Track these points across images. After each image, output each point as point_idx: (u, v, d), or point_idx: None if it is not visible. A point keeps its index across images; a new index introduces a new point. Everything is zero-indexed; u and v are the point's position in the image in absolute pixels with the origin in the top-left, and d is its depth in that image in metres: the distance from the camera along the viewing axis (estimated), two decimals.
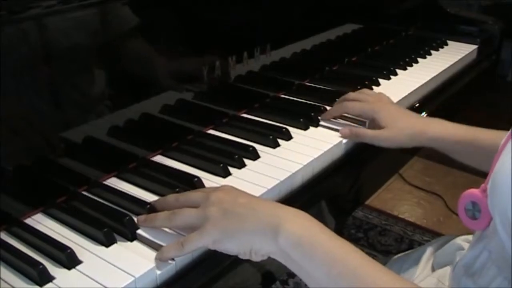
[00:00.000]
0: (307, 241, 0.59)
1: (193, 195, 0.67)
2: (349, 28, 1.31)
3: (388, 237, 1.96)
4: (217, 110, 0.99)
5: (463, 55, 1.39)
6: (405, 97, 1.12)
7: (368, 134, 0.92)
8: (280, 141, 0.91)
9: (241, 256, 0.63)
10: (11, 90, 0.67)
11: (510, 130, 0.63)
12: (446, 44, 1.48)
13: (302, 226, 0.61)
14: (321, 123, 0.99)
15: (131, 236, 0.67)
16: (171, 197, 0.70)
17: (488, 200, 0.61)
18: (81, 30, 0.74)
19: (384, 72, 1.24)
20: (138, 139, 0.85)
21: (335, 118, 1.00)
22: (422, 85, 1.19)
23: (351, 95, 1.00)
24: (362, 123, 0.97)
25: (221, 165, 0.81)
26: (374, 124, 0.94)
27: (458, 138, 0.88)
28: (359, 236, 1.95)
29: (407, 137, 0.90)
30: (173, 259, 0.64)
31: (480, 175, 0.75)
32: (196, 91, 0.93)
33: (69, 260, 0.62)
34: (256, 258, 0.62)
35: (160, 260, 0.63)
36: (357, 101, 0.97)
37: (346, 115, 1.00)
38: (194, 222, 0.64)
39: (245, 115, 1.02)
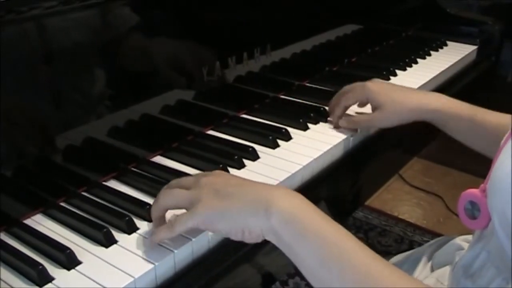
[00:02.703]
0: (299, 220, 0.58)
1: (184, 179, 0.67)
2: (349, 29, 1.31)
3: (388, 237, 1.96)
4: (217, 110, 0.99)
5: (463, 55, 1.39)
6: None
7: (365, 118, 0.92)
8: (279, 141, 0.91)
9: (233, 237, 0.61)
10: (11, 91, 0.67)
11: (510, 131, 0.63)
12: (446, 45, 1.48)
13: (295, 205, 0.59)
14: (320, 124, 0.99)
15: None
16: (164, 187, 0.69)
17: (487, 200, 0.61)
18: (82, 30, 0.74)
19: (384, 73, 1.24)
20: (138, 140, 0.85)
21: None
22: (422, 85, 1.19)
23: (345, 87, 0.99)
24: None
25: (221, 165, 0.81)
26: (371, 105, 0.93)
27: (457, 112, 0.87)
28: (359, 236, 1.95)
29: (404, 112, 0.89)
30: (173, 256, 0.64)
31: (480, 175, 0.75)
32: (196, 92, 0.93)
33: (69, 260, 0.62)
34: (249, 239, 0.60)
35: (152, 242, 0.63)
36: (349, 89, 0.97)
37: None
38: (185, 204, 0.63)
39: (245, 116, 1.02)
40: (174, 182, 0.67)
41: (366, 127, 0.94)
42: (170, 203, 0.65)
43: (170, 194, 0.64)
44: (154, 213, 0.66)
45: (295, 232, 0.57)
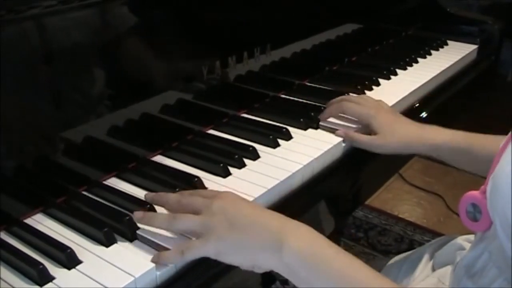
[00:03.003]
0: (313, 255, 0.59)
1: (196, 201, 0.66)
2: (349, 28, 1.31)
3: (388, 237, 1.96)
4: (217, 110, 0.99)
5: (463, 55, 1.39)
6: (405, 97, 1.12)
7: (363, 140, 0.92)
8: (280, 141, 0.91)
9: (243, 268, 0.63)
10: (11, 90, 0.67)
11: (510, 133, 0.63)
12: (446, 44, 1.48)
13: (307, 241, 0.61)
14: (321, 123, 0.99)
15: (131, 236, 0.67)
16: (174, 198, 0.69)
17: (487, 203, 0.61)
18: (81, 30, 0.74)
19: (384, 72, 1.24)
20: (138, 139, 0.85)
21: (333, 117, 1.01)
22: (422, 85, 1.19)
23: (350, 96, 1.00)
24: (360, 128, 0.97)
25: (221, 165, 0.81)
26: (369, 129, 0.93)
27: (454, 145, 0.87)
28: (359, 236, 1.95)
29: (402, 144, 0.90)
30: None
31: (480, 175, 0.75)
32: (196, 91, 0.93)
33: (69, 260, 0.62)
34: (259, 271, 0.62)
35: (156, 264, 0.62)
36: (356, 103, 0.97)
37: (343, 115, 1.00)
38: (195, 229, 0.63)
39: (245, 115, 1.02)
40: (185, 201, 0.67)
41: (362, 147, 0.94)
42: (180, 229, 0.66)
43: (181, 221, 0.64)
44: (159, 227, 0.67)
45: (309, 268, 0.59)
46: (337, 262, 0.59)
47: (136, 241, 0.67)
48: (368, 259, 0.60)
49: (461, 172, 2.20)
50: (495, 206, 0.57)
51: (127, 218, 0.68)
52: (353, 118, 0.98)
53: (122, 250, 0.65)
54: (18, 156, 0.70)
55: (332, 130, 0.95)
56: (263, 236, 0.61)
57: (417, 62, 1.33)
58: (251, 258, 0.61)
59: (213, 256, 0.62)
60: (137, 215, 0.68)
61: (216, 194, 0.67)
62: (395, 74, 1.25)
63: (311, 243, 0.61)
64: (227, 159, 0.83)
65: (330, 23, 1.25)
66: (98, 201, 0.75)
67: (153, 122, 0.87)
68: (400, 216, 2.09)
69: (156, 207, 0.71)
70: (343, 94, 1.02)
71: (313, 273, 0.59)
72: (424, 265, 0.87)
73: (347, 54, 1.33)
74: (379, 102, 0.99)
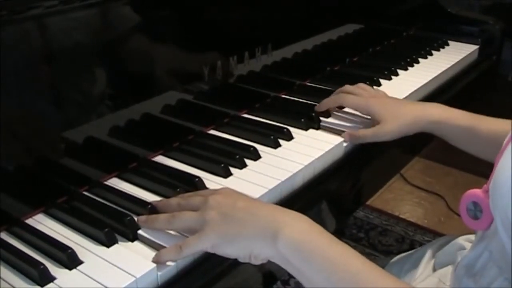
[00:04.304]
0: (306, 246, 0.59)
1: (194, 199, 0.67)
2: (350, 28, 1.31)
3: (389, 237, 1.95)
4: (218, 110, 0.99)
5: (464, 55, 1.39)
6: (406, 97, 1.12)
7: (369, 134, 0.92)
8: (281, 141, 0.91)
9: (240, 260, 0.63)
10: (12, 90, 0.67)
11: (511, 133, 0.63)
12: (447, 44, 1.48)
13: (301, 231, 0.60)
14: (322, 124, 0.98)
15: (132, 236, 0.67)
16: (174, 201, 0.70)
17: (489, 201, 0.61)
18: (82, 30, 0.74)
19: (385, 72, 1.24)
20: (139, 139, 0.85)
21: (330, 110, 1.01)
22: (423, 85, 1.19)
23: (347, 87, 1.00)
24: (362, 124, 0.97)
25: (222, 165, 0.81)
26: (373, 119, 0.94)
27: (458, 123, 0.88)
28: (360, 236, 1.95)
29: (406, 125, 0.90)
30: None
31: (481, 175, 0.75)
32: (197, 91, 0.93)
33: (70, 260, 0.62)
34: (255, 262, 0.62)
35: (157, 263, 0.62)
36: (353, 94, 0.98)
37: (341, 114, 1.01)
38: (193, 226, 0.64)
39: (246, 115, 1.02)
40: (184, 202, 0.68)
41: (370, 141, 0.94)
42: (179, 226, 0.66)
43: (179, 219, 0.65)
44: (160, 229, 0.67)
45: (303, 258, 0.59)
46: (330, 252, 0.59)
47: (137, 241, 0.67)
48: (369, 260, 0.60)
49: (461, 173, 2.21)
50: (496, 204, 0.57)
51: (128, 218, 0.68)
52: (355, 113, 0.98)
53: (123, 250, 0.65)
54: (19, 156, 0.70)
55: (333, 131, 0.96)
56: (258, 227, 0.61)
57: (418, 62, 1.33)
58: (246, 249, 0.61)
59: (210, 249, 0.62)
60: (141, 219, 0.68)
61: (214, 191, 0.68)
62: (396, 74, 1.25)
63: (305, 232, 0.60)
64: (228, 159, 0.83)
65: (331, 23, 1.25)
66: (99, 201, 0.75)
67: (154, 123, 0.87)
68: (401, 216, 2.09)
69: None
70: None
71: (306, 262, 0.59)
72: (425, 265, 0.87)
73: (348, 54, 1.33)
74: (376, 90, 1.00)
